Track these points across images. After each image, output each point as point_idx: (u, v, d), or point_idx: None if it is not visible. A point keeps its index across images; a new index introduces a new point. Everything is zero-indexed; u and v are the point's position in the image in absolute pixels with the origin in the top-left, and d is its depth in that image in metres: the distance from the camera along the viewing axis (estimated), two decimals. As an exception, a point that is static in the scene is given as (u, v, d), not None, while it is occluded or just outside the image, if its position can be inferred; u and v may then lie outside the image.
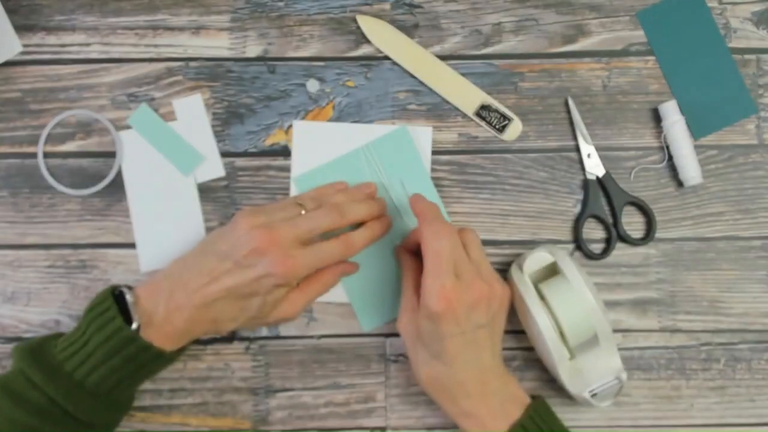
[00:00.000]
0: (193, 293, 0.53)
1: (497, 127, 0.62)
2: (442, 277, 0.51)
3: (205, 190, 0.62)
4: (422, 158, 0.62)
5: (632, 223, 0.62)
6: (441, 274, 0.51)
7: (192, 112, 0.62)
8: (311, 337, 0.62)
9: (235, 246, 0.54)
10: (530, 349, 0.61)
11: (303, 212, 0.56)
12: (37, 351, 0.52)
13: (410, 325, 0.55)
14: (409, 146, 0.62)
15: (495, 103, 0.62)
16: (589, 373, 0.55)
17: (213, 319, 0.54)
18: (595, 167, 0.62)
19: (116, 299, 0.53)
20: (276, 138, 0.62)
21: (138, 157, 0.62)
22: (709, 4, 0.63)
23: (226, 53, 0.63)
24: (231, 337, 0.61)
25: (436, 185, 0.62)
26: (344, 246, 0.56)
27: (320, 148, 0.62)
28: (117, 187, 0.62)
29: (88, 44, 0.63)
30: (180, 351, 0.56)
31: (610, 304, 0.61)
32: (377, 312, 0.61)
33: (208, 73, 0.63)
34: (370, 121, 0.62)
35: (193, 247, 0.57)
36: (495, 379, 0.54)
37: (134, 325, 0.52)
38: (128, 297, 0.53)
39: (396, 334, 0.61)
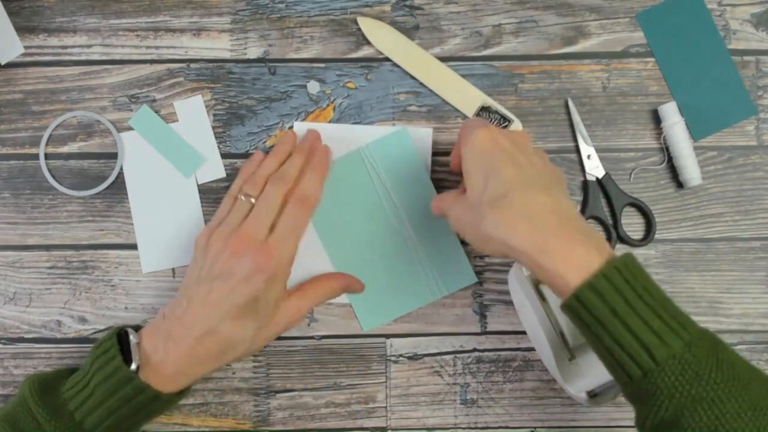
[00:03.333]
0: (191, 326, 0.52)
1: (497, 128, 0.62)
2: (483, 125, 0.51)
3: (206, 191, 0.62)
4: (422, 159, 0.62)
5: (632, 224, 0.62)
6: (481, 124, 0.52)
7: (193, 114, 0.62)
8: (312, 337, 0.62)
9: (212, 264, 0.53)
10: (530, 349, 0.62)
11: (253, 201, 0.56)
12: (46, 387, 0.52)
13: (460, 205, 0.51)
14: (409, 147, 0.62)
15: (495, 105, 0.62)
16: (589, 373, 0.55)
17: (218, 351, 0.53)
18: (594, 168, 0.62)
19: (121, 339, 0.53)
20: (277, 139, 0.63)
21: (139, 158, 0.62)
22: (709, 6, 0.63)
23: (227, 55, 0.63)
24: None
25: (437, 186, 0.62)
26: (301, 202, 0.55)
27: (321, 150, 0.62)
28: (118, 188, 0.62)
29: (89, 46, 0.63)
30: (179, 394, 0.54)
31: (609, 305, 0.62)
32: (377, 313, 0.61)
33: (209, 74, 0.63)
34: (371, 123, 0.63)
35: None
36: (573, 210, 0.47)
37: (133, 366, 0.51)
38: (132, 337, 0.52)
39: (396, 335, 0.62)
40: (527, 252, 0.45)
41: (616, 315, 0.42)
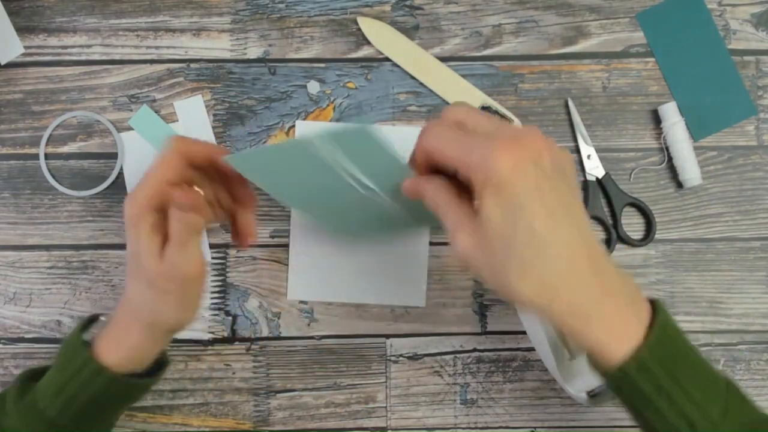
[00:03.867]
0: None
1: (497, 128, 0.62)
2: (490, 139, 0.40)
3: (206, 191, 0.62)
4: (395, 150, 0.45)
5: (632, 224, 0.62)
6: (485, 138, 0.40)
7: (193, 114, 0.63)
8: (312, 337, 0.62)
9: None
10: (530, 349, 0.62)
11: None
12: (35, 375, 0.52)
13: (472, 236, 0.41)
14: (375, 145, 0.45)
15: (495, 105, 0.62)
16: (589, 373, 0.55)
17: (135, 310, 0.50)
18: (594, 168, 0.62)
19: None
20: (277, 139, 0.63)
21: (139, 158, 0.62)
22: (709, 6, 0.63)
23: (227, 55, 0.63)
24: (232, 338, 0.61)
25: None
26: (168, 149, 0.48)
27: (321, 149, 0.61)
28: (118, 188, 0.62)
29: (89, 46, 0.63)
30: (132, 379, 0.50)
31: (609, 305, 0.62)
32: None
33: (209, 74, 0.63)
34: (371, 122, 0.63)
35: None
36: (609, 264, 0.41)
37: (85, 336, 0.51)
38: (102, 318, 0.53)
39: (396, 335, 0.62)
40: (567, 321, 0.40)
41: (661, 391, 0.40)
